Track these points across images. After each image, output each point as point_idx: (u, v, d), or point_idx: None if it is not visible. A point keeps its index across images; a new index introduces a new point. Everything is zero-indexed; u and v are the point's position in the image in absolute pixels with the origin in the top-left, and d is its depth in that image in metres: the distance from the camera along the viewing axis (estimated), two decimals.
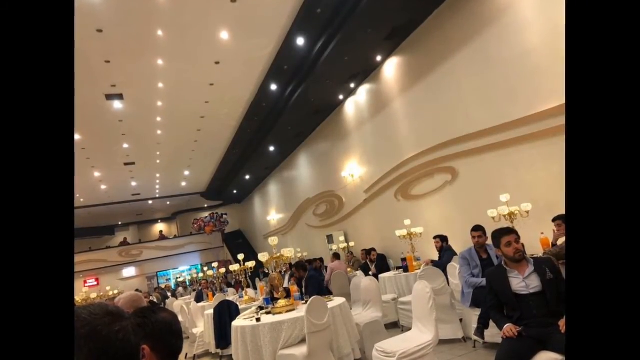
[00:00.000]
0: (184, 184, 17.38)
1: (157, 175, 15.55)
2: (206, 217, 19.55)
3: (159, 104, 9.56)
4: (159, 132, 11.22)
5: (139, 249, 19.38)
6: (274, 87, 9.17)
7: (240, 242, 20.02)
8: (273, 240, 4.51)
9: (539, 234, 4.53)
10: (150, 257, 19.28)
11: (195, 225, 19.42)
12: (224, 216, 19.86)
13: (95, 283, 18.85)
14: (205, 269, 11.65)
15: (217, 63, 8.01)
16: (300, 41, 7.48)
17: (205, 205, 21.64)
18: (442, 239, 5.98)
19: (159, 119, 10.38)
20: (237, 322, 3.83)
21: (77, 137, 10.40)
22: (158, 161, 13.69)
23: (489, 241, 3.32)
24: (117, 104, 9.16)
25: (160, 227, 23.25)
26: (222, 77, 8.60)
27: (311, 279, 5.44)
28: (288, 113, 9.90)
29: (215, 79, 8.65)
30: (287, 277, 7.38)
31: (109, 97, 8.74)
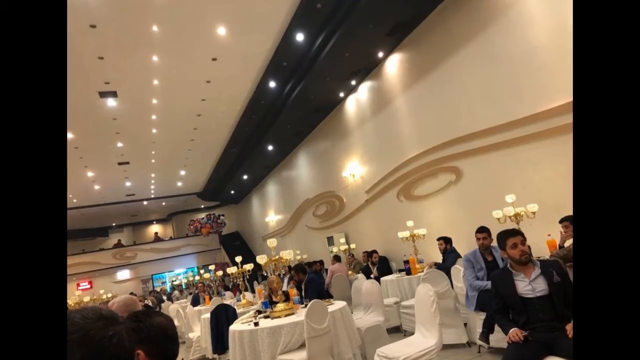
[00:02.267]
0: (179, 184, 17.20)
1: (152, 175, 15.35)
2: (203, 218, 19.32)
3: (154, 101, 9.37)
4: (154, 130, 11.03)
5: (133, 251, 19.13)
6: (272, 84, 9.01)
7: (238, 244, 19.83)
8: (272, 242, 4.41)
9: (546, 235, 4.46)
10: (145, 259, 19.06)
11: (192, 227, 19.19)
12: (221, 217, 19.66)
13: (89, 286, 18.56)
14: (202, 271, 11.47)
15: (214, 59, 7.84)
16: (300, 37, 7.32)
17: (202, 206, 21.43)
18: (446, 241, 5.85)
19: (154, 117, 10.20)
20: (235, 327, 3.76)
21: (69, 135, 10.18)
22: (153, 160, 13.50)
23: (494, 243, 3.26)
24: (110, 102, 8.97)
25: (155, 228, 22.99)
26: (219, 74, 8.43)
27: (311, 282, 5.31)
28: (287, 111, 9.75)
29: (212, 75, 8.48)
30: (286, 280, 7.22)
31: (103, 94, 8.54)
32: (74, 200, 16.07)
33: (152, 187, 16.98)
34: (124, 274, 19.38)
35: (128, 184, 15.62)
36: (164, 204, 20.25)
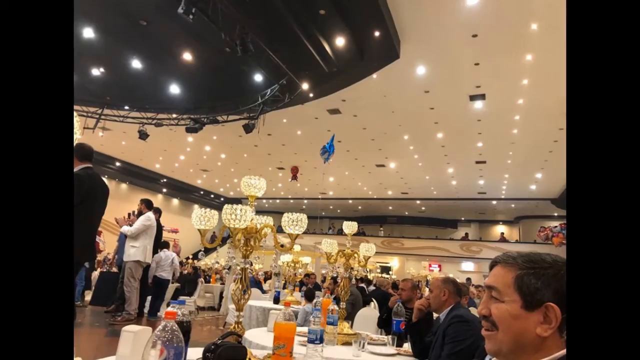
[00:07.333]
0: (533, 187, 16.37)
1: (506, 176, 15.37)
2: (555, 226, 17.58)
3: (520, 101, 9.36)
4: (514, 131, 11.03)
5: (478, 246, 19.94)
6: None
7: None
8: None
9: None
10: (489, 256, 19.40)
11: (542, 234, 17.86)
12: None
13: (438, 268, 20.96)
14: None
15: None
16: None
17: (555, 214, 19.54)
18: None
19: (516, 117, 10.20)
20: None
21: (439, 135, 11.75)
22: (509, 161, 13.50)
23: None
24: (478, 104, 9.67)
25: (501, 229, 22.94)
26: None
27: None
28: None
29: None
30: None
31: (473, 97, 9.34)
32: (434, 192, 18.47)
33: (504, 187, 17.02)
34: (468, 266, 20.57)
35: (481, 182, 16.36)
36: (512, 206, 19.89)
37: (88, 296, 7.42)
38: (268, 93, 9.29)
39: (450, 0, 6.44)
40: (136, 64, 8.95)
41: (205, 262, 15.43)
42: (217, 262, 15.15)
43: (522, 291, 0.86)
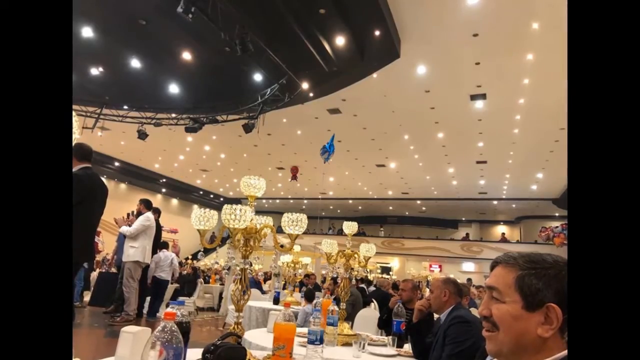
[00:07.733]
0: (534, 187, 16.33)
1: (507, 176, 15.34)
2: (557, 227, 17.56)
3: (521, 101, 9.33)
4: (515, 130, 10.99)
5: (479, 247, 19.90)
6: None
7: None
8: None
9: None
10: (489, 256, 19.37)
11: (543, 234, 17.84)
12: None
13: (439, 269, 20.92)
14: None
15: None
16: None
17: (557, 214, 19.51)
18: None
19: (517, 117, 10.16)
20: None
21: (440, 135, 11.72)
22: (510, 161, 13.47)
23: None
24: (478, 104, 9.64)
25: (502, 229, 22.92)
26: None
27: None
28: None
29: None
30: None
31: (473, 97, 9.30)
32: (435, 192, 18.44)
33: (505, 187, 16.98)
34: (469, 267, 20.53)
35: (482, 182, 16.32)
36: (513, 206, 19.85)
37: (87, 297, 7.38)
38: (268, 93, 9.25)
39: None
40: (135, 63, 8.92)
41: (205, 262, 15.40)
42: (217, 263, 15.12)
43: (523, 292, 0.85)
